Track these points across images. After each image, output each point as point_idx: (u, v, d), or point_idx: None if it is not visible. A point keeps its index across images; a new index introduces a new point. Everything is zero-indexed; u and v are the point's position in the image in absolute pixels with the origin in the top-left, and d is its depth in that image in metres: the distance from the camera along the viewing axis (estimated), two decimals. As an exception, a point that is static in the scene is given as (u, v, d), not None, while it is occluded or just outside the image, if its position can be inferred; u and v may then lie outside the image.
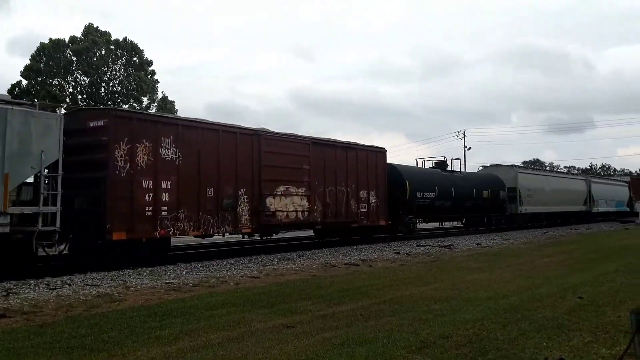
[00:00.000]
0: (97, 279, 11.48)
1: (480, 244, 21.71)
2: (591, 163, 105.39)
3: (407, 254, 17.66)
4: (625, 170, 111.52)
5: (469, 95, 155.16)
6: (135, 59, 44.33)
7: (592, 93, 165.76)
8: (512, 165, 34.74)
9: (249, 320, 7.39)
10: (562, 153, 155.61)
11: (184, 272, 12.74)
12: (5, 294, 9.60)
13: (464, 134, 67.02)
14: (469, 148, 66.18)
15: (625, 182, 54.11)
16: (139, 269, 13.04)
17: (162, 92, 45.46)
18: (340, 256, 16.63)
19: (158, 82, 45.48)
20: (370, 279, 11.53)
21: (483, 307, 8.11)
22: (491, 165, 35.21)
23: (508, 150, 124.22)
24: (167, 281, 11.38)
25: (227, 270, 13.14)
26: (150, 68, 45.06)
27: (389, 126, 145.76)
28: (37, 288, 10.30)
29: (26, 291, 9.94)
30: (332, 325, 7.01)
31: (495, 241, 23.42)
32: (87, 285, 10.73)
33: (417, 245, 20.60)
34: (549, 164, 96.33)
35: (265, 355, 5.60)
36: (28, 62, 41.22)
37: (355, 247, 19.67)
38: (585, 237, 27.28)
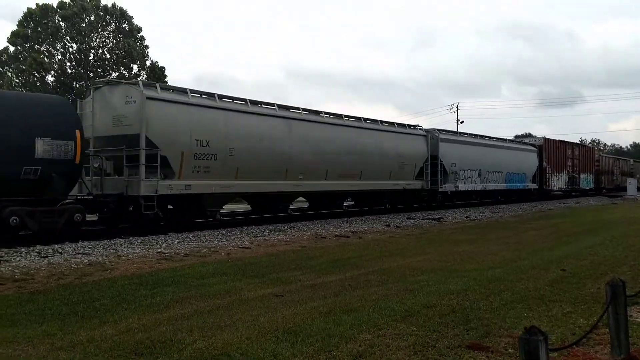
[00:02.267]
0: (89, 248, 11.57)
1: (469, 217, 22.00)
2: (581, 138, 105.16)
3: (397, 226, 17.86)
4: (616, 146, 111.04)
5: (457, 68, 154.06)
6: (124, 25, 43.69)
7: (581, 67, 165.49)
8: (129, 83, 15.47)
9: (239, 289, 7.52)
10: (554, 128, 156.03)
11: (176, 242, 12.85)
12: (-4, 261, 9.67)
13: (457, 107, 66.95)
14: (462, 121, 66.12)
15: (534, 146, 36.48)
16: (131, 238, 13.13)
17: (151, 59, 44.88)
18: (331, 228, 16.80)
19: (148, 48, 44.92)
20: (359, 251, 11.70)
21: (468, 278, 8.29)
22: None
23: (500, 123, 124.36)
24: (159, 250, 11.49)
25: (218, 241, 13.27)
26: (139, 35, 44.46)
27: (378, 98, 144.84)
28: (28, 256, 10.38)
29: (17, 259, 10.02)
30: (320, 294, 7.16)
31: (484, 214, 23.75)
32: (78, 253, 10.82)
33: (407, 218, 20.82)
34: (542, 137, 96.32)
35: (253, 322, 5.74)
36: (15, 27, 40.56)
37: (346, 219, 19.84)
38: (573, 210, 27.65)
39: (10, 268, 9.10)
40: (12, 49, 40.34)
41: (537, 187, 35.50)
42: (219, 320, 5.85)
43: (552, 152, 37.99)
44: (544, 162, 36.39)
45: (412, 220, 19.92)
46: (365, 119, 22.31)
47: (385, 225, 18.04)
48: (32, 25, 41.01)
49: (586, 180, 43.66)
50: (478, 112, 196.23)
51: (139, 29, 44.53)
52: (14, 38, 40.38)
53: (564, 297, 6.98)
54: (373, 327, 5.58)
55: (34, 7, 41.01)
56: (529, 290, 7.44)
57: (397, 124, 24.64)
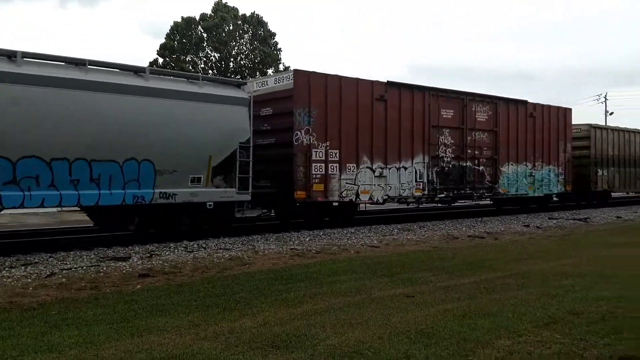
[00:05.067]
0: (229, 244, 12.24)
1: (620, 217, 20.13)
2: None
3: (537, 226, 16.84)
4: None
5: (602, 57, 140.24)
6: (260, 32, 45.88)
7: None
8: None
9: (369, 287, 7.51)
10: None
11: (307, 239, 13.18)
12: (149, 255, 10.58)
13: (605, 97, 61.78)
14: (611, 113, 60.93)
15: (235, 86, 13.62)
16: (266, 235, 13.70)
17: (283, 63, 46.64)
18: (464, 228, 16.25)
19: (281, 51, 46.76)
20: (495, 252, 11.18)
21: (621, 284, 7.56)
22: None
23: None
24: (292, 247, 11.86)
25: (347, 239, 13.40)
26: (273, 40, 46.44)
27: (515, 91, 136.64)
28: (176, 250, 11.23)
29: (167, 253, 10.88)
30: (453, 296, 6.93)
31: (637, 214, 21.62)
32: (220, 249, 11.49)
33: (548, 218, 19.56)
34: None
35: (385, 321, 5.68)
36: (163, 40, 44.26)
37: (480, 219, 19.10)
38: None
39: (160, 262, 9.91)
40: (160, 60, 44.01)
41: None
42: (351, 317, 5.87)
43: (347, 100, 15.28)
44: (302, 132, 14.32)
45: (554, 221, 18.66)
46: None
47: (524, 225, 17.08)
48: (177, 37, 44.47)
49: (547, 178, 21.40)
50: (631, 103, 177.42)
51: (273, 35, 46.50)
52: (162, 50, 44.05)
53: None
54: (512, 332, 5.27)
55: (179, 20, 44.47)
56: (695, 300, 6.61)
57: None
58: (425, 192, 17.34)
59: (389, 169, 16.25)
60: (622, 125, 27.18)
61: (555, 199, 24.27)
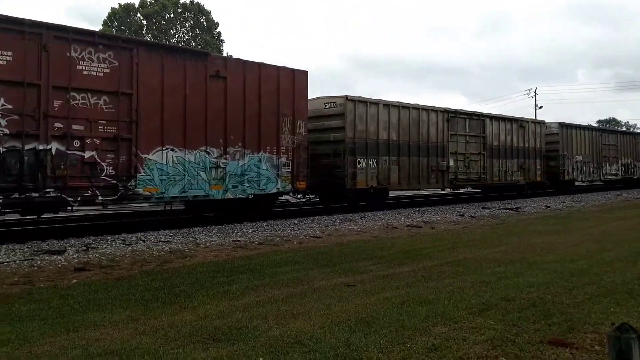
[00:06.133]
0: (169, 236, 12.03)
1: (549, 207, 21.11)
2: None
3: (471, 216, 17.42)
4: None
5: (528, 53, 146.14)
6: (202, 20, 45.07)
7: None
8: None
9: (311, 278, 7.58)
10: (638, 112, 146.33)
11: (250, 231, 13.13)
12: (85, 248, 10.26)
13: (535, 92, 64.43)
14: (540, 107, 63.62)
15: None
16: (208, 227, 13.55)
17: (227, 53, 46.21)
18: (402, 218, 16.62)
19: (224, 42, 46.18)
20: (432, 241, 11.50)
21: (549, 270, 7.95)
22: None
23: (580, 108, 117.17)
24: (235, 239, 11.79)
25: (290, 230, 13.44)
26: (217, 30, 45.74)
27: (445, 86, 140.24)
28: (114, 243, 10.94)
29: (104, 246, 10.58)
30: (392, 285, 7.10)
31: (565, 204, 22.73)
32: (160, 241, 11.28)
33: (482, 208, 20.26)
34: (625, 123, 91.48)
35: (326, 311, 5.76)
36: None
37: (417, 209, 19.57)
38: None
39: (97, 255, 9.63)
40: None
41: None
42: (293, 308, 5.92)
43: None
44: None
45: (487, 210, 19.37)
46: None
47: (459, 215, 17.64)
48: (116, 24, 43.06)
49: (254, 172, 14.63)
50: (555, 97, 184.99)
51: (216, 24, 45.77)
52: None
53: (656, 293, 6.55)
54: (448, 319, 5.46)
55: (117, 7, 43.05)
56: (615, 284, 7.04)
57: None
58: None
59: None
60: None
61: (298, 198, 18.00)
